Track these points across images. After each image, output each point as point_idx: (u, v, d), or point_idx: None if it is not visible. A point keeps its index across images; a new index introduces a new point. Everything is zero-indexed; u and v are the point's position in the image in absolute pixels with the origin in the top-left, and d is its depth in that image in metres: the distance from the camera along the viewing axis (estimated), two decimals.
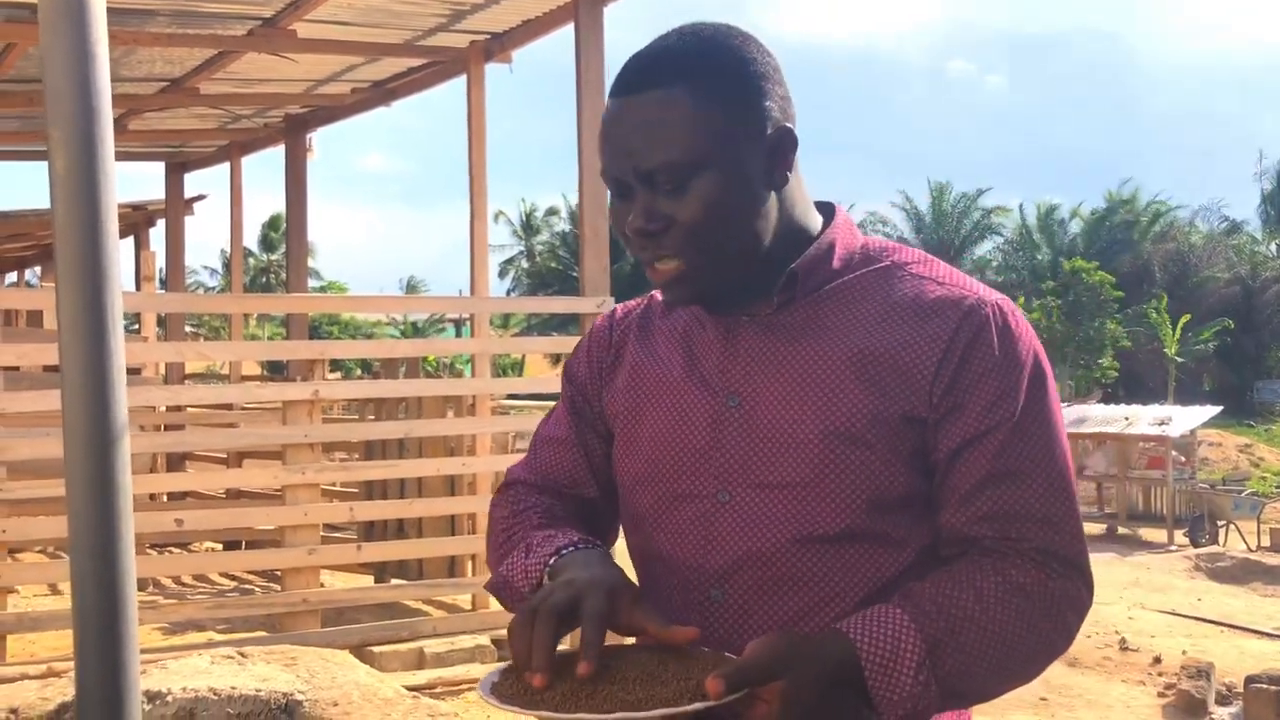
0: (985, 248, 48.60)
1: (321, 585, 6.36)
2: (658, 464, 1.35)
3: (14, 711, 1.67)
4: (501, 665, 1.16)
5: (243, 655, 1.94)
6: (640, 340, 1.42)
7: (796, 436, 1.25)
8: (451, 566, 7.34)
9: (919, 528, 1.26)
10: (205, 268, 51.21)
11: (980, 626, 1.17)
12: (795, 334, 1.29)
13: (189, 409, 9.48)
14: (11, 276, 21.57)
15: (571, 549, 1.28)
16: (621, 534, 1.47)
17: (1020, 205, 49.00)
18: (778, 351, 1.29)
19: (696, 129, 1.19)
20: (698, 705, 1.02)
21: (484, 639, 6.30)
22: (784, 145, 1.26)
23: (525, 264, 51.90)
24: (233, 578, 8.41)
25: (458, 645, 6.15)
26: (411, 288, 55.75)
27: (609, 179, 1.25)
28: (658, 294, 1.45)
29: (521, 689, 1.09)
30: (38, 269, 20.64)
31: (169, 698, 1.69)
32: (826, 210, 1.37)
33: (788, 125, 1.26)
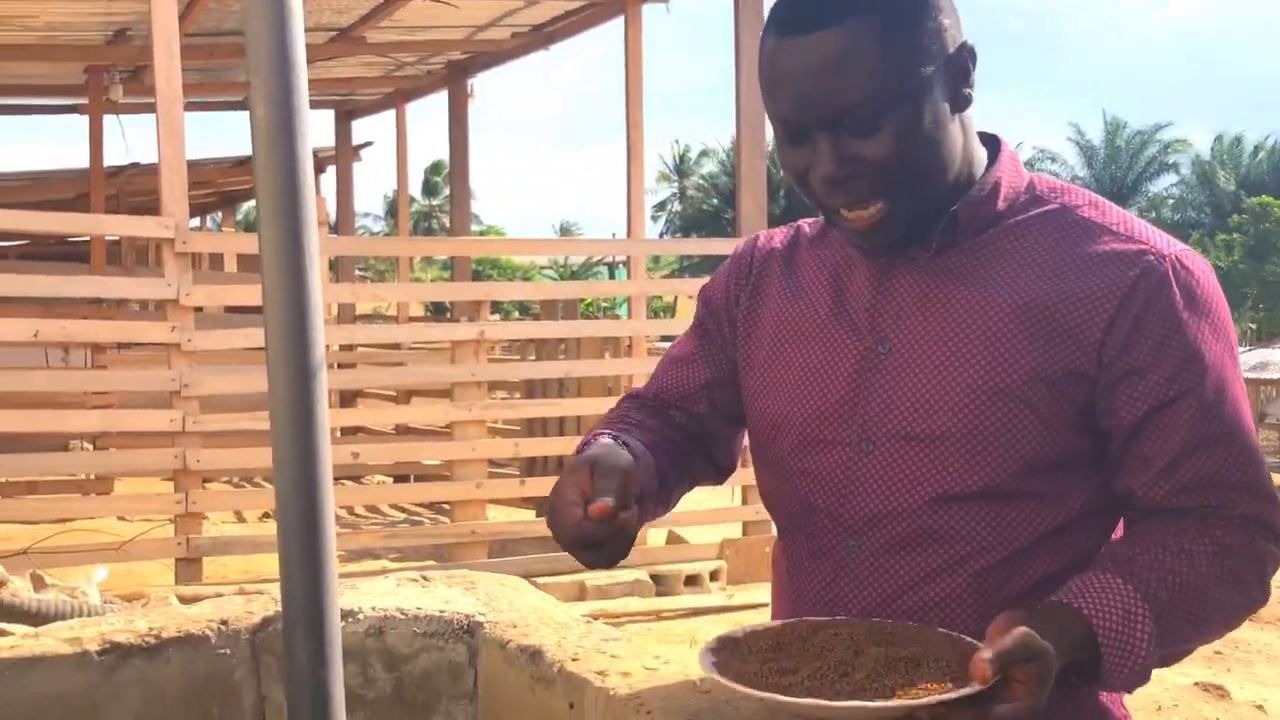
0: (1162, 184, 46.02)
1: (485, 519, 6.60)
2: (798, 408, 1.30)
3: (224, 622, 1.81)
4: (712, 642, 1.15)
5: (425, 579, 2.03)
6: (785, 274, 1.37)
7: (949, 389, 1.19)
8: None
9: (1075, 486, 1.20)
10: (368, 214, 52.96)
11: (1197, 592, 1.11)
12: (955, 279, 1.22)
13: (360, 348, 9.91)
14: (194, 221, 22.82)
15: (601, 437, 1.30)
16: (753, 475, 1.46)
17: (1201, 139, 46.12)
18: (935, 297, 1.22)
19: (883, 64, 1.10)
20: (964, 691, 0.95)
21: (642, 574, 6.44)
22: (965, 63, 1.17)
23: (677, 207, 51.82)
24: (402, 510, 8.80)
25: (617, 579, 6.31)
26: (565, 231, 56.41)
27: (780, 123, 1.18)
28: (805, 225, 1.41)
29: (749, 672, 1.07)
30: (218, 214, 21.77)
31: (360, 615, 1.79)
32: (990, 143, 1.28)
33: (966, 41, 1.17)
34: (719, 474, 1.55)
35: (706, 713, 1.29)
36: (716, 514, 7.26)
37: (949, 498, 1.20)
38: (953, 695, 0.94)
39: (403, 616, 1.79)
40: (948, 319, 1.21)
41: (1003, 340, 1.18)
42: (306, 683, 1.42)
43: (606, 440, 1.26)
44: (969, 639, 1.08)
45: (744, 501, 7.11)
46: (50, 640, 1.73)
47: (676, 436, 1.45)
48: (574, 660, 1.53)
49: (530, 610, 1.84)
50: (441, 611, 1.80)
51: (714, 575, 6.68)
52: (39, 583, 3.49)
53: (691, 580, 6.58)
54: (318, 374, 1.45)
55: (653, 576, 6.48)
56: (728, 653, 1.12)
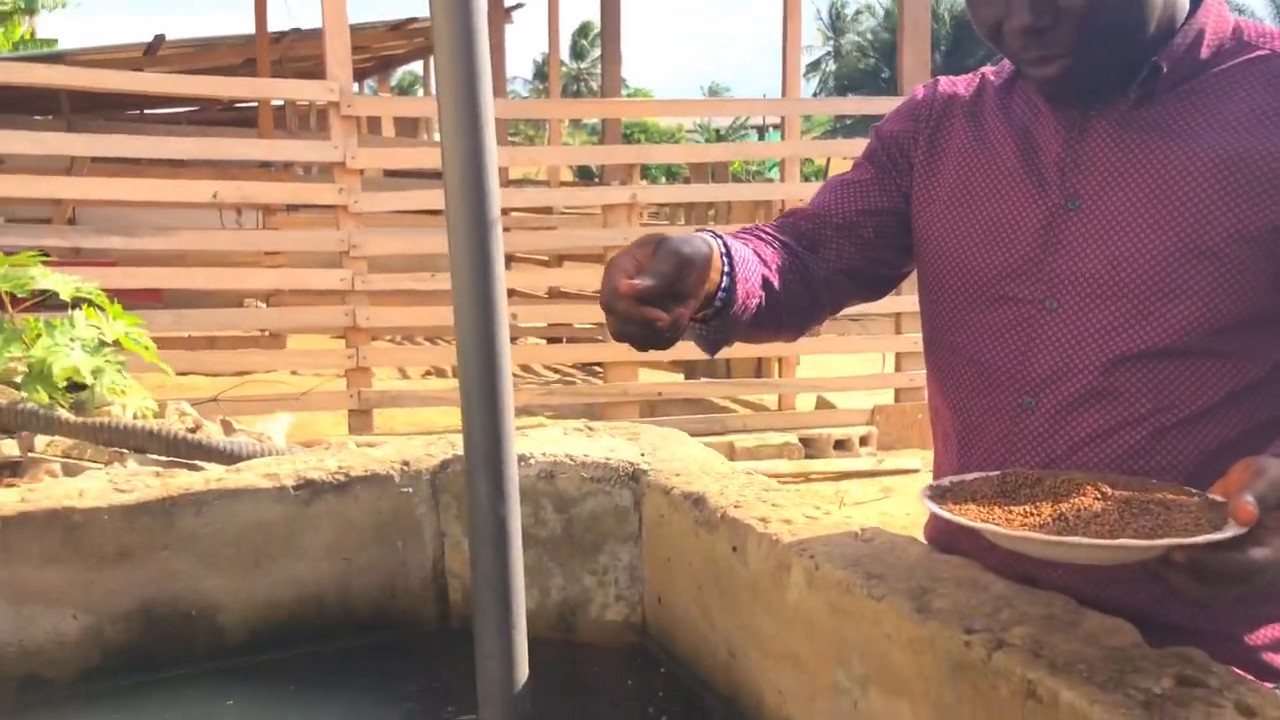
0: None
1: (636, 380, 6.73)
2: (979, 261, 1.28)
3: (406, 463, 1.93)
4: (926, 490, 1.11)
5: (590, 429, 2.12)
6: (970, 122, 1.33)
7: (1142, 247, 1.16)
8: (759, 367, 7.54)
9: (1266, 346, 1.16)
10: (515, 78, 52.87)
11: None
12: (1154, 133, 1.17)
13: (513, 213, 10.06)
14: (353, 88, 23.27)
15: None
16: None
17: None
18: (1131, 152, 1.18)
19: None
20: (1226, 533, 0.91)
21: (791, 437, 6.50)
22: None
23: (832, 66, 50.12)
24: (556, 371, 9.03)
25: (766, 441, 6.39)
26: (713, 93, 55.31)
27: None
28: (989, 74, 1.37)
29: (979, 515, 1.02)
30: (374, 80, 22.13)
31: (532, 460, 1.89)
32: None
33: None
34: (859, 297, 1.49)
35: (869, 559, 1.33)
36: (868, 380, 7.23)
37: (1133, 356, 1.17)
38: (1218, 537, 0.91)
39: (571, 462, 1.88)
40: (1144, 175, 1.17)
41: (1203, 197, 1.14)
42: (487, 518, 1.52)
43: (706, 237, 1.19)
44: (1201, 492, 1.03)
45: (897, 368, 7.05)
46: (251, 475, 1.88)
47: (805, 262, 1.40)
48: (736, 507, 1.58)
49: (691, 460, 1.90)
50: (607, 458, 1.87)
51: (864, 440, 6.69)
52: (228, 428, 3.75)
53: (841, 444, 6.61)
54: (494, 227, 1.50)
55: (802, 440, 6.54)
56: (948, 500, 1.07)
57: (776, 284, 1.32)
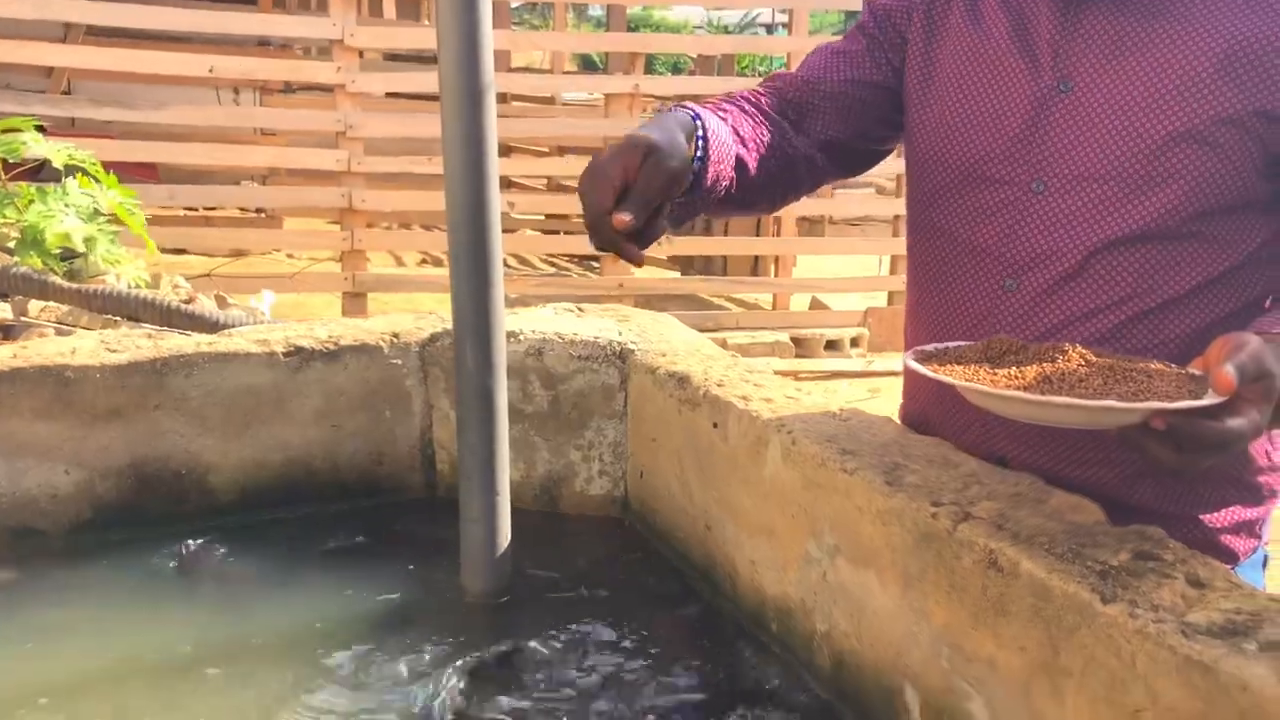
0: None
1: (632, 275, 6.72)
2: (968, 143, 1.28)
3: (396, 335, 1.94)
4: (910, 354, 1.11)
5: (580, 310, 2.13)
6: (966, 1, 1.32)
7: (1133, 131, 1.16)
8: (755, 266, 7.54)
9: (1248, 231, 1.17)
10: None
11: None
12: (1149, 15, 1.16)
13: (513, 101, 9.91)
14: None
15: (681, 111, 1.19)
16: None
17: None
18: (1127, 34, 1.17)
19: None
20: (1206, 401, 0.92)
21: (783, 336, 6.54)
22: None
23: None
24: (552, 264, 9.02)
25: (758, 339, 6.43)
26: None
27: None
28: None
29: (965, 376, 1.02)
30: None
31: (521, 337, 1.90)
32: None
33: None
34: (838, 172, 1.49)
35: (844, 436, 1.36)
36: (862, 281, 7.23)
37: (1117, 240, 1.18)
38: (1199, 403, 0.92)
39: (560, 340, 1.89)
40: (1139, 58, 1.17)
41: (1196, 81, 1.13)
42: (473, 386, 1.55)
43: (685, 118, 1.17)
44: (1182, 367, 1.04)
45: (891, 271, 7.05)
46: (241, 340, 1.90)
47: (788, 136, 1.38)
48: (719, 385, 1.61)
49: (680, 342, 1.92)
50: (596, 338, 1.89)
51: (854, 341, 6.72)
52: (221, 303, 3.75)
53: (832, 345, 6.65)
54: (487, 94, 1.49)
55: (793, 339, 6.57)
56: (932, 363, 1.07)
57: (751, 164, 1.31)
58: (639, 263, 1.13)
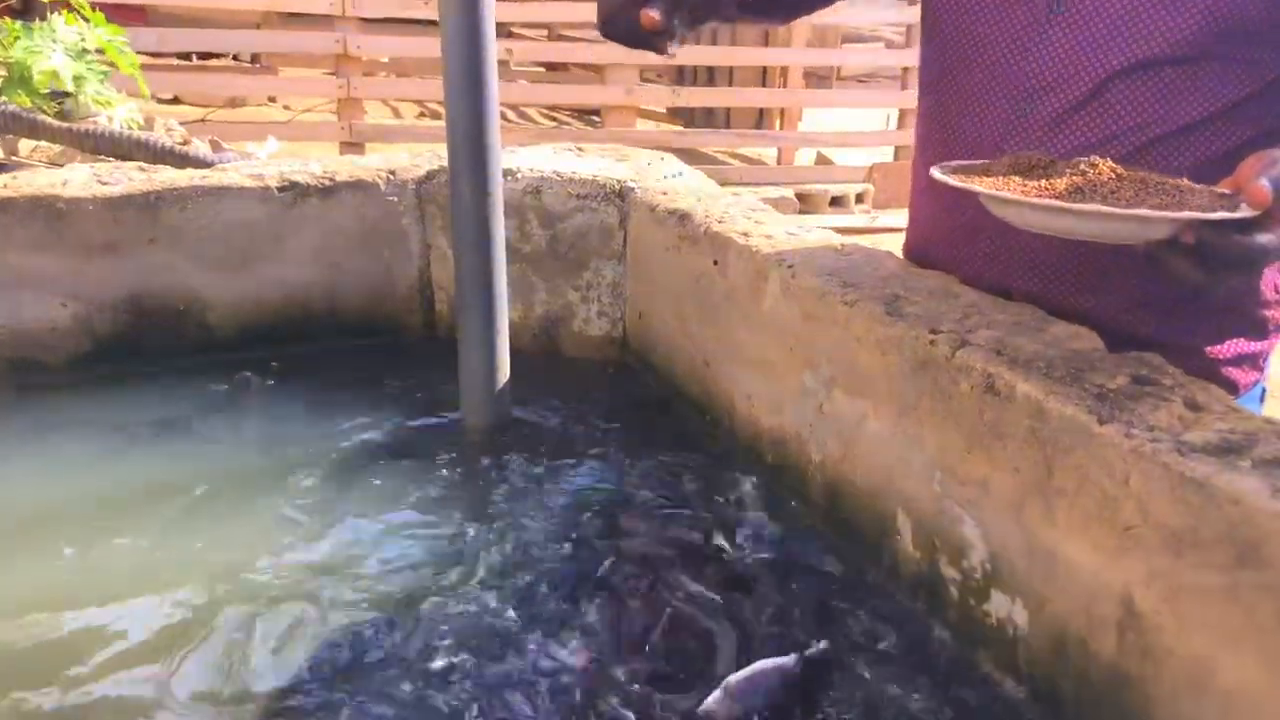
0: None
1: (634, 127, 6.60)
2: None
3: (392, 172, 1.91)
4: (943, 164, 1.07)
5: (580, 149, 2.09)
6: None
7: None
8: (760, 119, 7.40)
9: (1268, 57, 1.12)
10: None
11: None
12: None
13: None
14: None
15: None
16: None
17: None
18: None
19: None
20: (1241, 214, 0.90)
21: (788, 191, 6.46)
22: None
23: None
24: (553, 118, 8.84)
25: (761, 194, 6.35)
26: None
27: None
28: None
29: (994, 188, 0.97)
30: None
31: (519, 175, 1.87)
32: None
33: None
34: None
35: (846, 270, 1.34)
36: (869, 136, 7.11)
37: (1137, 63, 1.14)
38: (1235, 215, 0.89)
39: (559, 178, 1.86)
40: None
41: None
42: (470, 217, 1.52)
43: None
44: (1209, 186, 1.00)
45: (899, 126, 6.92)
46: (235, 174, 1.87)
47: None
48: (720, 222, 1.58)
49: (679, 181, 1.89)
50: (595, 176, 1.86)
51: (859, 198, 6.65)
52: (216, 147, 3.69)
53: (836, 201, 6.58)
54: None
55: (798, 195, 6.49)
56: (960, 175, 1.03)
57: None
58: (661, 51, 1.11)
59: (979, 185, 0.98)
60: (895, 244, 1.67)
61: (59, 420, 1.62)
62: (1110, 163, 1.01)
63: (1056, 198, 0.95)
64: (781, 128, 7.11)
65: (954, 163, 1.09)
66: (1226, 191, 0.95)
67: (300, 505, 1.39)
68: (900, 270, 1.33)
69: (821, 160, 7.02)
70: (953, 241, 1.30)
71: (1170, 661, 0.86)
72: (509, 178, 1.84)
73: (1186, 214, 0.90)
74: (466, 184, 1.50)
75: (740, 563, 1.26)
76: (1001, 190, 0.97)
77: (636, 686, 1.04)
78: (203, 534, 1.32)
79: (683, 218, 1.66)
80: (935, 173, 1.03)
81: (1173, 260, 0.94)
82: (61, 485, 1.44)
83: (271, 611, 1.15)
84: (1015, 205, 0.96)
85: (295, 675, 1.06)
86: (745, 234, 1.52)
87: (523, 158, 1.97)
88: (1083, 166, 1.00)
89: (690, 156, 6.90)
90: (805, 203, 6.48)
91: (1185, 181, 0.99)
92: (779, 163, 7.01)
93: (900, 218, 6.47)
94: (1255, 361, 1.24)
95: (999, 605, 1.04)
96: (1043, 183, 0.99)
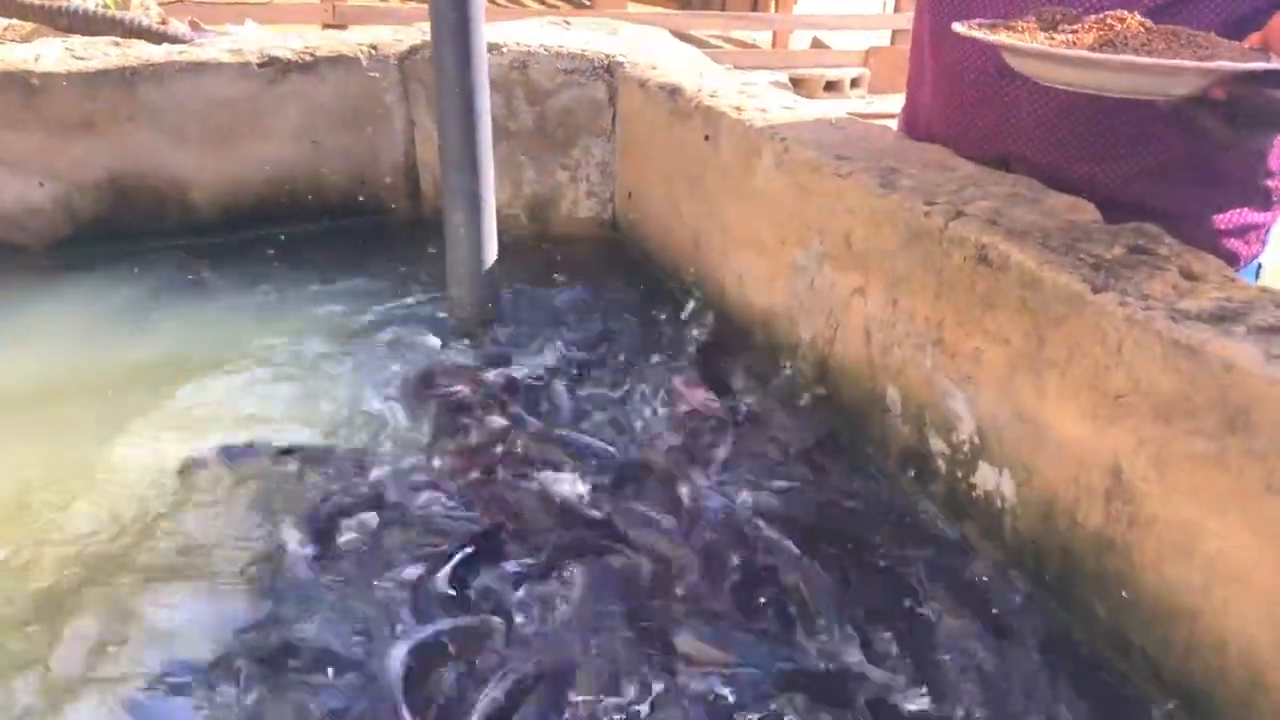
0: None
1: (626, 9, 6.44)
2: None
3: (374, 47, 1.85)
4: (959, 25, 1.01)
5: (567, 23, 2.03)
6: None
7: None
8: (754, 2, 7.22)
9: None
10: None
11: None
12: None
13: None
14: None
15: None
16: None
17: None
18: None
19: None
20: (1272, 65, 0.87)
21: (782, 76, 6.33)
22: None
23: None
24: (541, 0, 8.62)
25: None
26: None
27: None
28: None
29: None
30: None
31: (505, 49, 1.82)
32: None
33: None
34: None
35: (840, 143, 1.31)
36: (866, 20, 6.95)
37: None
38: (1272, 66, 0.85)
39: (546, 52, 1.81)
40: None
41: None
42: (454, 90, 1.48)
43: None
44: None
45: (895, 9, 6.76)
46: (214, 50, 1.81)
47: None
48: (712, 96, 1.54)
49: (671, 55, 1.84)
50: (583, 50, 1.81)
51: (855, 83, 6.53)
52: (195, 27, 3.59)
53: (831, 86, 6.46)
54: None
55: (792, 80, 6.37)
56: (986, 30, 0.97)
57: None
58: None
59: (1005, 37, 0.94)
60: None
61: (35, 300, 1.60)
62: (1139, 16, 0.96)
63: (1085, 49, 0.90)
64: (776, 9, 6.94)
65: (976, 20, 1.04)
66: (1257, 47, 0.92)
67: (280, 373, 1.38)
68: (896, 144, 1.31)
69: (817, 45, 6.87)
70: (949, 121, 1.26)
71: (1156, 528, 0.86)
72: (494, 52, 1.79)
73: (1220, 63, 0.86)
74: (450, 57, 1.45)
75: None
76: (1028, 43, 0.92)
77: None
78: (185, 399, 1.31)
79: (673, 92, 1.62)
80: (958, 27, 0.98)
81: (1201, 116, 0.91)
82: (38, 361, 1.43)
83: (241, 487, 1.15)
84: (1042, 58, 0.91)
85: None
86: (738, 108, 1.48)
87: (508, 31, 1.91)
88: (1109, 20, 0.96)
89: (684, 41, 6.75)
90: (799, 88, 6.36)
91: (1214, 36, 0.96)
92: (773, 46, 6.86)
93: (896, 103, 6.35)
94: (1258, 234, 1.22)
95: (987, 477, 1.04)
96: (1069, 36, 0.94)
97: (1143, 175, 1.14)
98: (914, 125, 1.40)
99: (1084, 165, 1.15)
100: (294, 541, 1.06)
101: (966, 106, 1.24)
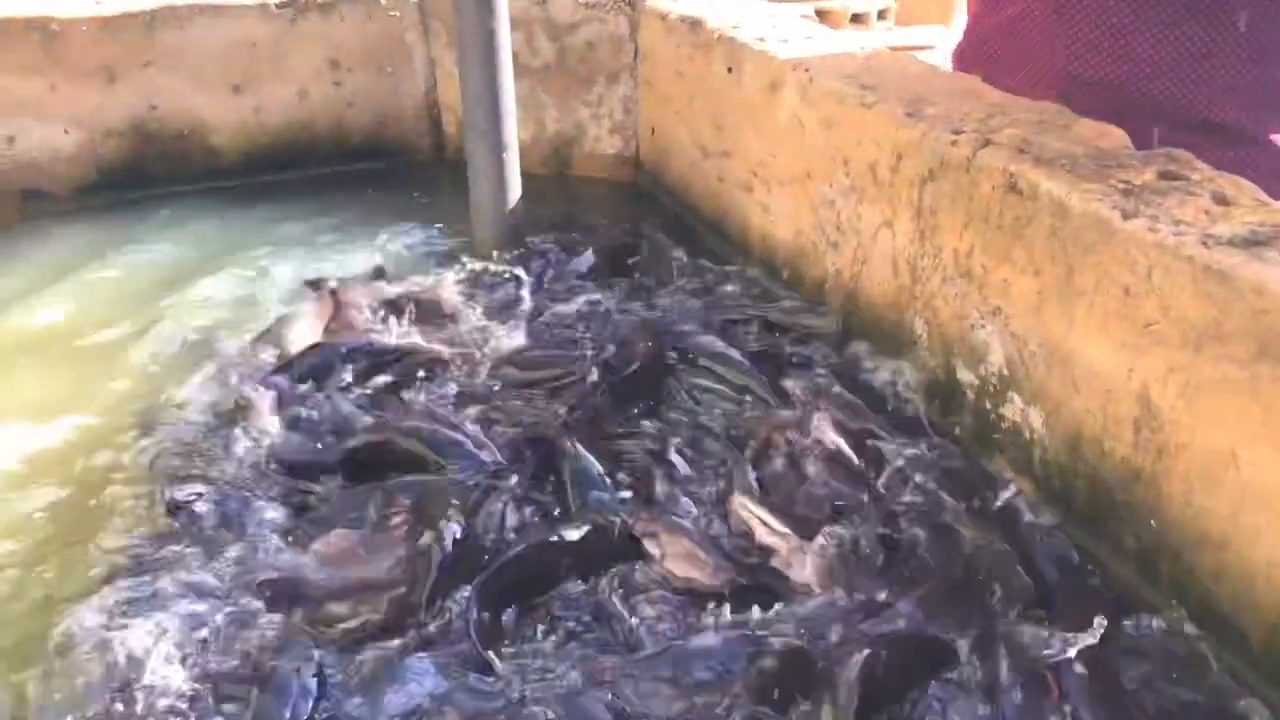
0: None
1: None
2: None
3: None
4: None
5: None
6: None
7: None
8: None
9: None
10: None
11: None
12: None
13: None
14: None
15: None
16: None
17: None
18: None
19: None
20: None
21: (807, 8, 6.22)
22: None
23: None
24: None
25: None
26: None
27: None
28: None
29: None
30: None
31: None
32: None
33: None
34: None
35: (866, 73, 1.29)
36: None
37: None
38: None
39: None
40: None
41: None
42: (475, 34, 1.46)
43: None
44: None
45: None
46: None
47: None
48: (734, 28, 1.52)
49: None
50: None
51: (881, 14, 6.40)
52: None
53: (857, 19, 6.34)
54: None
55: (817, 12, 6.25)
56: None
57: None
58: None
59: None
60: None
61: (64, 243, 1.61)
62: None
63: None
64: None
65: None
66: None
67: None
68: (924, 73, 1.29)
69: None
70: (1015, 32, 1.22)
71: (1185, 456, 0.85)
72: None
73: None
74: None
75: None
76: None
77: None
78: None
79: (694, 25, 1.60)
80: None
81: None
82: (71, 296, 1.45)
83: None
84: None
85: None
86: (761, 39, 1.46)
87: None
88: None
89: None
90: (824, 20, 6.24)
91: None
92: None
93: (924, 34, 6.24)
94: None
95: (1015, 408, 1.04)
96: None
97: (1226, 94, 1.11)
98: (975, 53, 1.34)
99: (1163, 84, 1.12)
100: None
101: (1019, 19, 1.21)
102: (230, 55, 1.77)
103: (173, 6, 1.73)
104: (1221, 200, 0.90)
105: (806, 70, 1.31)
